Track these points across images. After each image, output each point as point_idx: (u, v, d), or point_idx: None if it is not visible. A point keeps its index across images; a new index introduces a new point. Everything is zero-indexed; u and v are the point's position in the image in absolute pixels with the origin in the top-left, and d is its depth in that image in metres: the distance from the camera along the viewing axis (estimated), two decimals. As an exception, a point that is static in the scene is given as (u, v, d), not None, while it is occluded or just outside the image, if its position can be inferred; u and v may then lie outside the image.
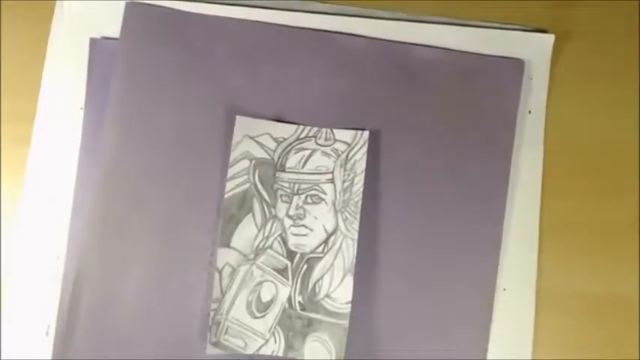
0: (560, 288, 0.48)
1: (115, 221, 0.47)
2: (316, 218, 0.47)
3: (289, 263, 0.47)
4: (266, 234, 0.47)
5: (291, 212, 0.47)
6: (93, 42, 0.49)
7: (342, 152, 0.48)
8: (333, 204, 0.47)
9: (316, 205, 0.47)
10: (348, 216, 0.47)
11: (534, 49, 0.49)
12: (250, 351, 0.46)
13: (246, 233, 0.47)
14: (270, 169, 0.48)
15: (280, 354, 0.46)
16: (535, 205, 0.48)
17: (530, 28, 0.50)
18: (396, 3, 0.50)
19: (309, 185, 0.48)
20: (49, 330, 0.47)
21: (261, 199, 0.47)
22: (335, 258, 0.47)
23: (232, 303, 0.47)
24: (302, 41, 0.49)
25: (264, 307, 0.47)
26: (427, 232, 0.48)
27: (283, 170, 0.48)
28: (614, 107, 0.50)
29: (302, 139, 0.48)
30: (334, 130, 0.48)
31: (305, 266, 0.47)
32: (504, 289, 0.48)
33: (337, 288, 0.47)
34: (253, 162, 0.48)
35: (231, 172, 0.47)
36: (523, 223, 0.48)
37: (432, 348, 0.47)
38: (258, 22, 0.49)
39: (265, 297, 0.47)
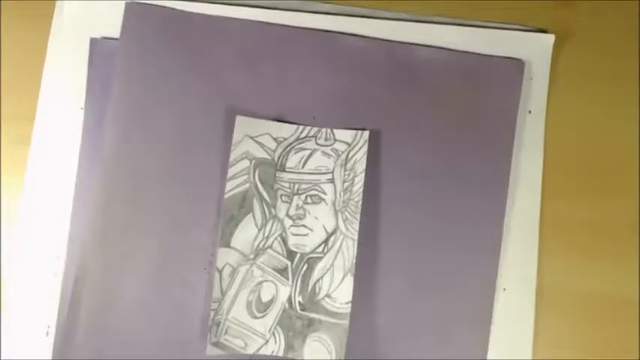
0: (560, 288, 0.48)
1: (115, 221, 0.47)
2: (316, 218, 0.47)
3: (289, 263, 0.47)
4: (266, 234, 0.47)
5: (291, 212, 0.47)
6: (93, 42, 0.49)
7: (342, 152, 0.48)
8: (333, 204, 0.47)
9: (316, 205, 0.47)
10: (348, 216, 0.47)
11: (534, 49, 0.49)
12: (250, 351, 0.46)
13: (246, 233, 0.47)
14: (270, 169, 0.48)
15: (280, 354, 0.46)
16: (535, 205, 0.48)
17: (531, 28, 0.50)
18: (396, 3, 0.50)
19: (309, 185, 0.48)
20: (49, 330, 0.47)
21: (261, 199, 0.47)
22: (335, 258, 0.47)
23: (232, 303, 0.47)
24: (303, 41, 0.49)
25: (264, 307, 0.47)
26: (427, 232, 0.48)
27: (283, 170, 0.48)
28: (614, 107, 0.50)
29: (302, 139, 0.48)
30: (334, 130, 0.48)
31: (305, 266, 0.47)
32: (504, 289, 0.48)
33: (337, 288, 0.47)
34: (253, 162, 0.48)
35: (231, 172, 0.47)
36: (523, 223, 0.48)
37: (432, 348, 0.47)
38: (259, 22, 0.49)
39: (265, 297, 0.47)
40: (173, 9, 0.49)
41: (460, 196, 0.48)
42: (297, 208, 0.47)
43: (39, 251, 0.47)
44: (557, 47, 0.49)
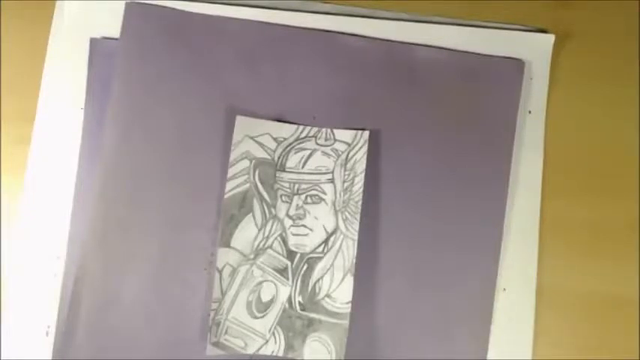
0: (560, 288, 0.48)
1: (115, 221, 0.47)
2: (316, 218, 0.47)
3: (289, 263, 0.47)
4: (266, 234, 0.47)
5: (291, 212, 0.47)
6: (93, 42, 0.49)
7: (342, 152, 0.48)
8: (333, 204, 0.47)
9: (316, 205, 0.47)
10: (348, 216, 0.47)
11: (534, 49, 0.49)
12: (250, 351, 0.46)
13: (246, 233, 0.47)
14: (270, 169, 0.48)
15: (280, 354, 0.46)
16: (535, 205, 0.48)
17: (530, 28, 0.50)
18: (396, 3, 0.50)
19: (309, 185, 0.48)
20: (49, 330, 0.47)
21: (261, 199, 0.47)
22: (335, 258, 0.47)
23: (232, 303, 0.47)
24: (303, 41, 0.49)
25: (264, 307, 0.47)
26: (427, 232, 0.48)
27: (283, 170, 0.48)
28: (614, 107, 0.50)
29: (302, 139, 0.48)
30: (334, 130, 0.48)
31: (305, 266, 0.47)
32: (504, 289, 0.48)
33: (337, 288, 0.47)
34: (253, 162, 0.48)
35: (231, 172, 0.47)
36: (523, 223, 0.48)
37: (431, 348, 0.47)
38: (259, 22, 0.49)
39: (265, 297, 0.47)
40: (173, 9, 0.49)
41: (460, 196, 0.48)
42: (297, 208, 0.47)
43: (39, 251, 0.47)
44: (557, 47, 0.49)
